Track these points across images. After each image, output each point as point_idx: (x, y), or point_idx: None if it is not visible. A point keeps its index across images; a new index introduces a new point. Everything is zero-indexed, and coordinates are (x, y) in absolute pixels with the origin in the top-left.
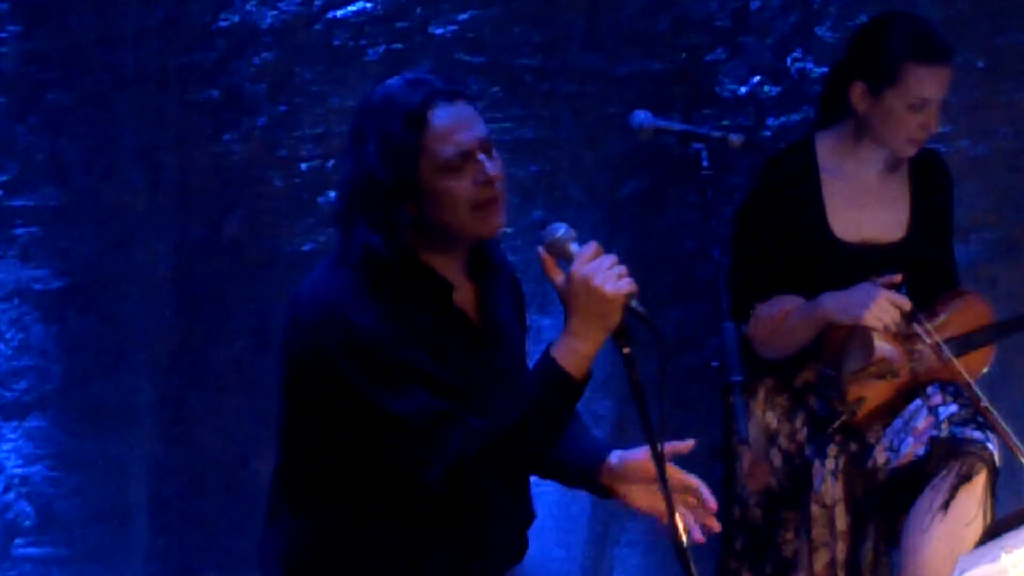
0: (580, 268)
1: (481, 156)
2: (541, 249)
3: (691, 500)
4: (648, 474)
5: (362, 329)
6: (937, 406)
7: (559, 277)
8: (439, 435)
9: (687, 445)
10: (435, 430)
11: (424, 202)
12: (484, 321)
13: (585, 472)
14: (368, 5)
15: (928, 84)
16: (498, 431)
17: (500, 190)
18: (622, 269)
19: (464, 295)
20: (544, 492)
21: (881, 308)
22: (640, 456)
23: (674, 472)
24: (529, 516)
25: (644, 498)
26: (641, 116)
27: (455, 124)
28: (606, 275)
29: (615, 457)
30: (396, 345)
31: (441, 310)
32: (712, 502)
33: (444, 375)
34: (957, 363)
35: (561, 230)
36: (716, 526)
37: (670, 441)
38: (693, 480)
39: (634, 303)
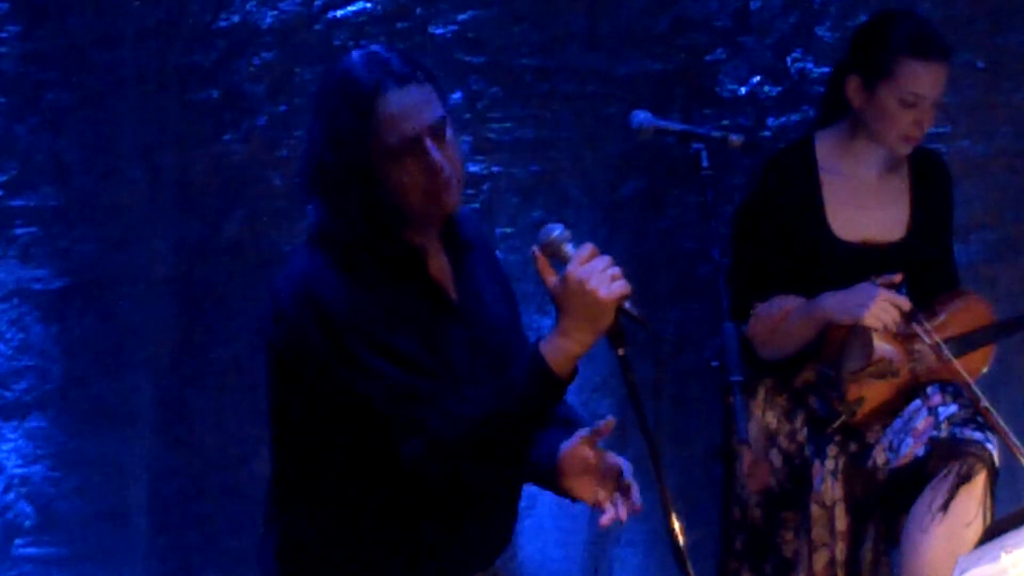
0: (575, 269)
1: (429, 142)
2: (535, 249)
3: (612, 488)
4: (580, 462)
5: (331, 304)
6: (937, 406)
7: (552, 278)
8: (413, 412)
9: (607, 424)
10: (409, 407)
11: (372, 185)
12: (460, 294)
13: (548, 477)
14: (368, 5)
15: (921, 80)
16: (478, 418)
17: (449, 174)
18: (616, 271)
19: (439, 268)
20: (544, 492)
21: (881, 308)
22: (570, 447)
23: (602, 456)
24: (517, 505)
25: (582, 488)
26: (641, 116)
27: (401, 111)
28: (600, 278)
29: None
30: (368, 322)
31: (415, 282)
32: (630, 484)
33: (417, 351)
34: (957, 363)
35: (556, 231)
36: (638, 506)
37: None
38: (618, 462)
39: (628, 305)
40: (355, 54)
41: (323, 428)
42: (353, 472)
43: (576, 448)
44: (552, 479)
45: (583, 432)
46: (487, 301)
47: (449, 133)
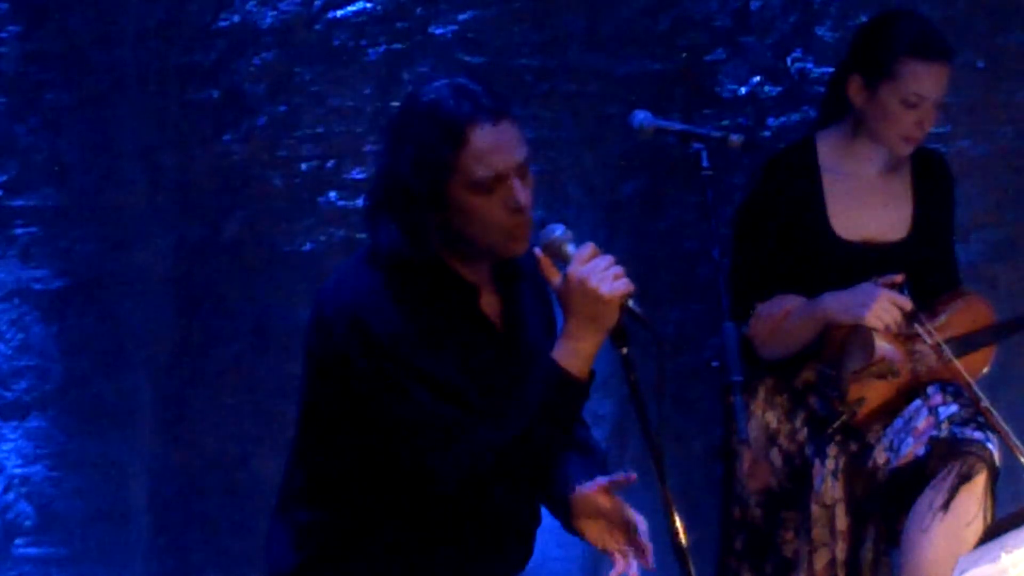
0: (576, 269)
1: (515, 181)
2: (537, 250)
3: (622, 538)
4: (595, 508)
5: (382, 334)
6: (937, 406)
7: (556, 278)
8: (450, 446)
9: (629, 477)
10: (446, 441)
11: (451, 214)
12: (509, 329)
13: (559, 508)
14: (368, 5)
15: (924, 81)
16: (508, 440)
17: (529, 215)
18: (618, 270)
19: (490, 302)
20: None
21: (882, 308)
22: (587, 490)
23: (620, 507)
24: (536, 520)
25: (594, 533)
26: (641, 116)
27: (494, 145)
28: (602, 276)
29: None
30: (414, 352)
31: (465, 315)
32: (647, 546)
33: (461, 384)
34: (958, 363)
35: (558, 231)
36: (650, 565)
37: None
38: (635, 519)
39: (631, 303)
40: (442, 82)
41: (353, 441)
42: (375, 484)
43: (593, 493)
44: (563, 513)
45: (602, 480)
46: (532, 332)
47: (530, 175)
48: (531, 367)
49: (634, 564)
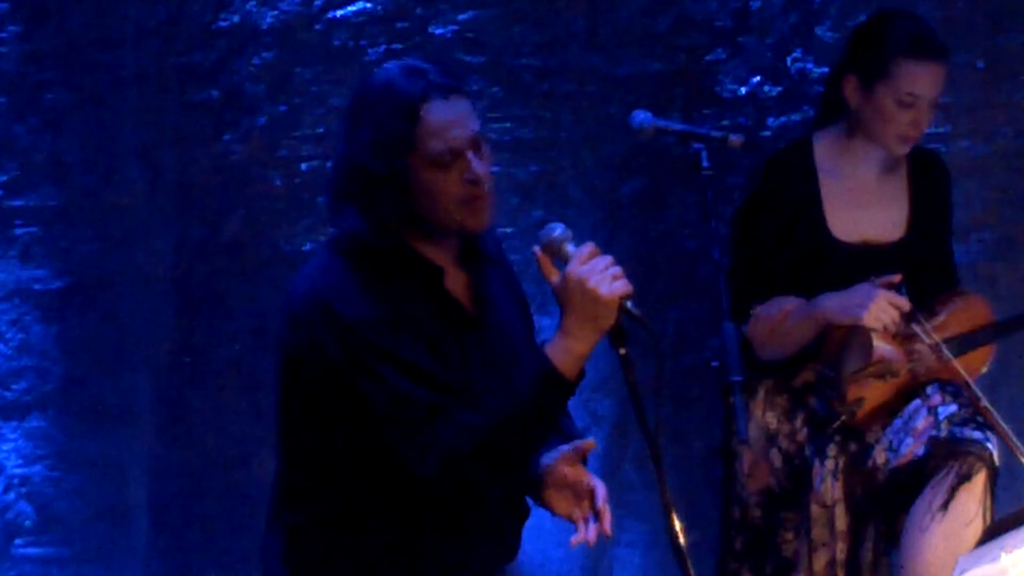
0: (576, 268)
1: (471, 154)
2: (537, 249)
3: (587, 506)
4: (560, 477)
5: (350, 319)
6: (936, 406)
7: (555, 277)
8: (428, 428)
9: (589, 443)
10: (423, 423)
11: (411, 193)
12: (478, 309)
13: (531, 487)
14: (368, 5)
15: (918, 80)
16: (490, 427)
17: (487, 188)
18: (618, 270)
19: (456, 283)
20: None
21: (880, 308)
22: (552, 460)
23: (582, 475)
24: (524, 513)
25: (561, 504)
26: (641, 116)
27: (448, 121)
28: (601, 276)
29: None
30: (384, 336)
31: (433, 297)
32: (605, 511)
33: (433, 366)
34: (956, 363)
35: (558, 230)
36: (608, 532)
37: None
38: (595, 484)
39: (629, 304)
40: (393, 64)
41: (332, 433)
42: (360, 478)
43: (557, 463)
44: (535, 490)
45: (565, 448)
46: (504, 315)
47: (486, 148)
48: (503, 347)
49: (592, 529)
